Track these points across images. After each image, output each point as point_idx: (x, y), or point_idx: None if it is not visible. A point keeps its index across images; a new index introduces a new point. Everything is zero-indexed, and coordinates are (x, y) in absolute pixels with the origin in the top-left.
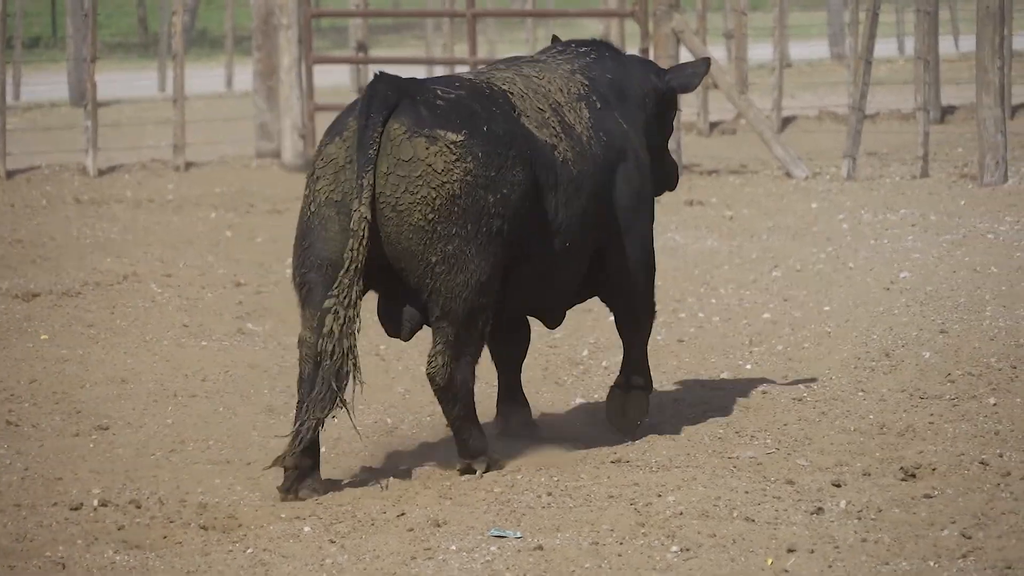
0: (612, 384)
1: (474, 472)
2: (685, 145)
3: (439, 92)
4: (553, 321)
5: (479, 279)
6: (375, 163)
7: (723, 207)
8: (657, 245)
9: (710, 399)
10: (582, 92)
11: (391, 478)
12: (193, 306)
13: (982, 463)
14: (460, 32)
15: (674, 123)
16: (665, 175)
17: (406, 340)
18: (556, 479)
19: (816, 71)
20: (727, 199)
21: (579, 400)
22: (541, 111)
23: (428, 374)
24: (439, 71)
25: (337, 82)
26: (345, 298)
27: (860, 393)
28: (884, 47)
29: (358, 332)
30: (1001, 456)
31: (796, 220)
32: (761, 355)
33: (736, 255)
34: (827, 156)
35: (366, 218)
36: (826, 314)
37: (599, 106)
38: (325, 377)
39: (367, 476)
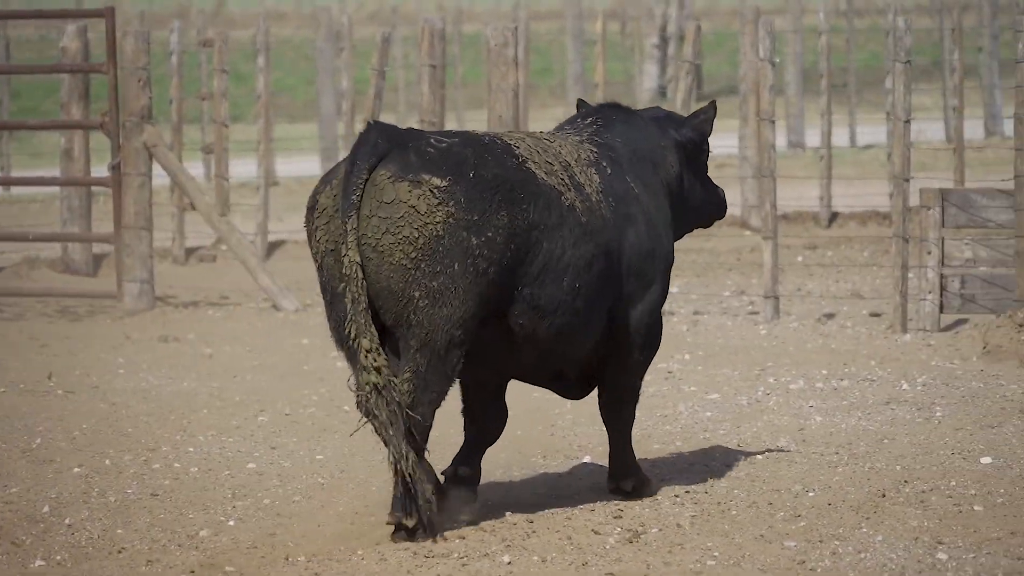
0: (608, 487)
1: (406, 530)
2: (158, 274)
3: (432, 141)
4: (569, 389)
5: (461, 316)
6: (358, 208)
7: (202, 344)
8: (127, 386)
9: (187, 561)
10: (592, 158)
11: None
12: None
13: None
14: None
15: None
16: (714, 205)
17: None
18: None
19: (307, 190)
20: (206, 335)
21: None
22: (550, 163)
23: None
24: None
25: None
26: (361, 343)
27: (359, 553)
28: None
29: (387, 366)
30: None
31: (285, 358)
32: (246, 509)
33: (217, 398)
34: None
35: (356, 261)
36: (319, 464)
37: (609, 171)
38: (385, 422)
39: None
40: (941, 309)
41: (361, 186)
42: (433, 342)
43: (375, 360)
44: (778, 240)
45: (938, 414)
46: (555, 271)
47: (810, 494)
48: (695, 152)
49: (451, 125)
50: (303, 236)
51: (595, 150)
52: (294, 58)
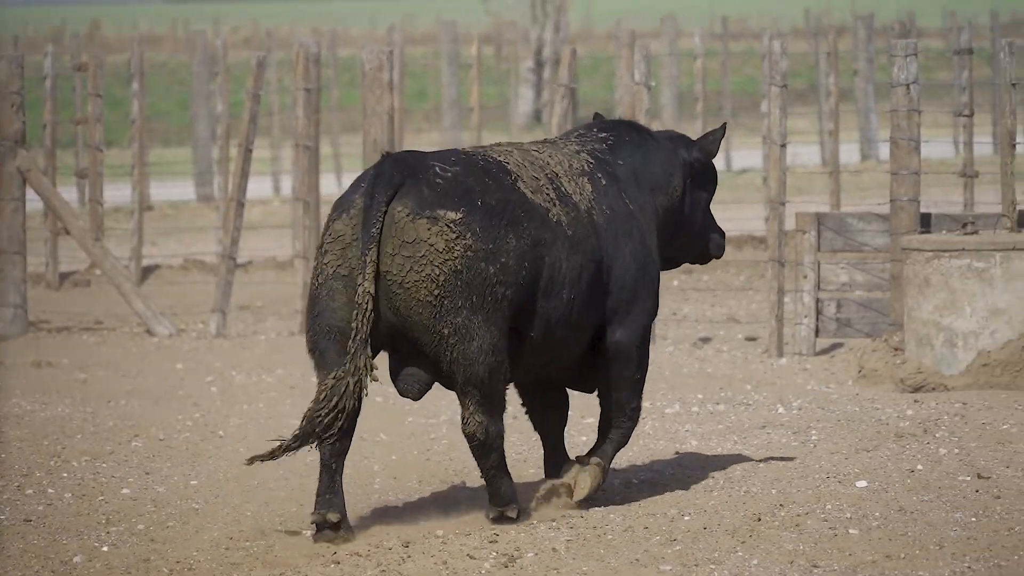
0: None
1: (508, 519)
2: (32, 299)
3: (438, 170)
4: (588, 384)
5: (492, 343)
6: (379, 241)
7: (76, 369)
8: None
9: None
10: (585, 169)
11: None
12: None
13: None
14: None
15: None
16: (714, 242)
17: (416, 400)
18: None
19: (181, 214)
20: (80, 360)
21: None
22: (536, 178)
23: (466, 433)
24: None
25: None
26: (352, 366)
27: None
28: (258, 186)
29: (364, 395)
30: None
31: (159, 383)
32: (120, 535)
33: (91, 423)
34: (194, 310)
35: (369, 292)
36: (193, 489)
37: (604, 183)
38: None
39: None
40: (817, 333)
41: (380, 219)
42: (476, 375)
43: (362, 384)
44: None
45: (814, 438)
46: (557, 284)
47: (686, 518)
48: (702, 178)
49: (326, 150)
50: (177, 261)
51: (591, 161)
52: (168, 82)
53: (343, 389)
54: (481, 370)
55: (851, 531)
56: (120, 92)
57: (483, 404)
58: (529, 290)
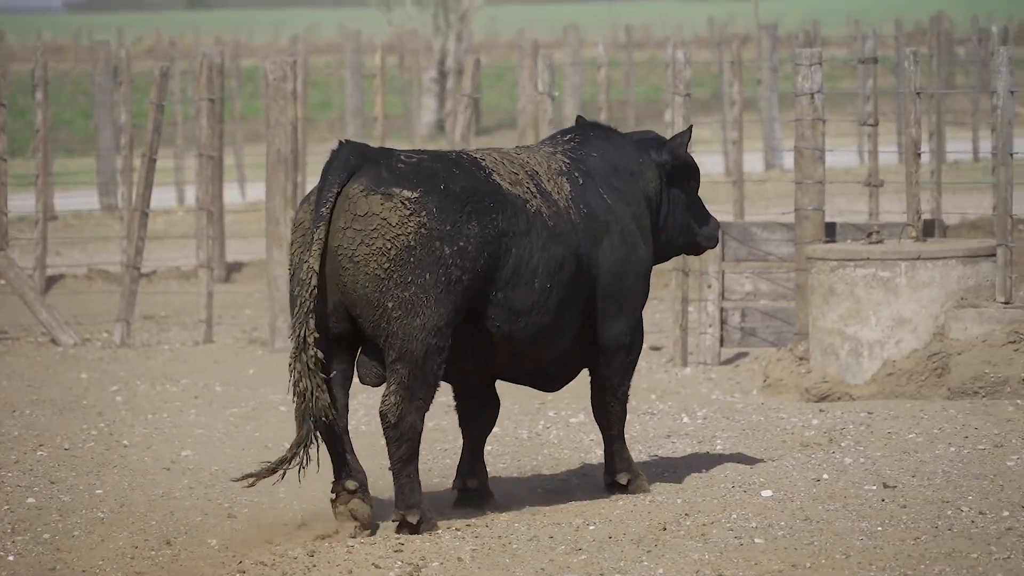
0: (604, 483)
1: (409, 525)
2: None
3: (402, 157)
4: (551, 382)
5: (436, 324)
6: (328, 220)
7: None
8: None
9: None
10: (563, 168)
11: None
12: None
13: None
14: None
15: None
16: (703, 234)
17: (376, 387)
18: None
19: (85, 224)
20: None
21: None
22: (515, 174)
23: (381, 412)
24: None
25: None
26: (299, 344)
27: None
28: (162, 196)
29: (323, 374)
30: None
31: (63, 392)
32: (25, 544)
33: None
34: (98, 320)
35: (313, 269)
36: (99, 498)
37: (581, 182)
38: (297, 416)
39: None
40: (721, 343)
41: (332, 199)
42: (411, 352)
43: (312, 359)
44: None
45: (719, 447)
46: (526, 273)
47: (591, 527)
48: (678, 175)
49: (229, 160)
50: (81, 270)
51: (567, 161)
52: (72, 92)
53: (297, 369)
54: (418, 348)
55: (757, 540)
56: (24, 102)
57: (407, 386)
58: (489, 278)
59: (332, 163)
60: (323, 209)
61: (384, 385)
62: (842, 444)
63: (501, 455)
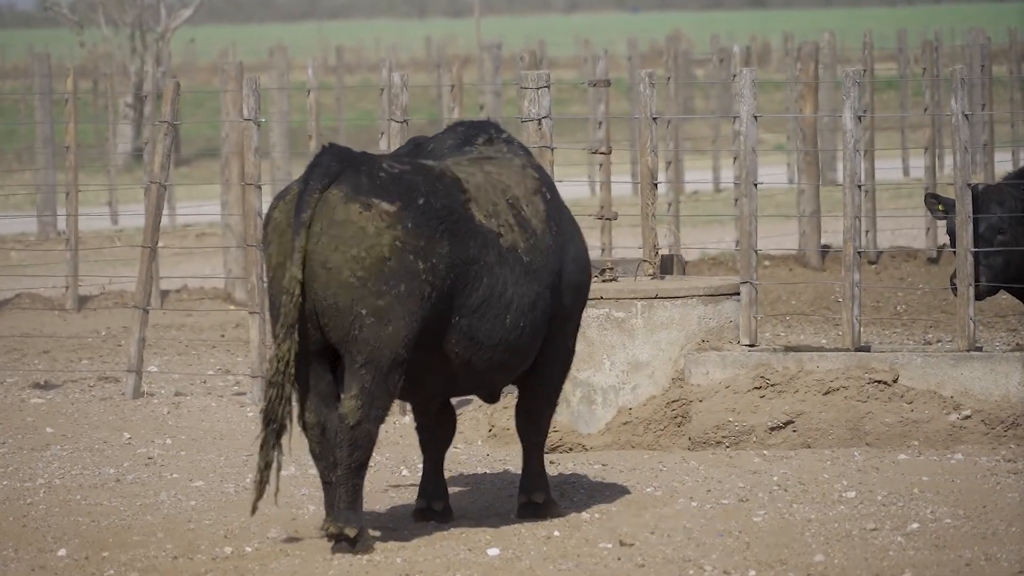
0: (518, 502)
1: (347, 539)
2: None
3: (385, 166)
4: (493, 396)
5: (406, 336)
6: (308, 226)
7: None
8: None
9: None
10: (536, 187)
11: None
12: None
13: None
14: None
15: None
16: None
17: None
18: None
19: None
20: None
21: None
22: (495, 203)
23: (340, 414)
24: None
25: None
26: (279, 351)
27: None
28: None
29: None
30: None
31: None
32: None
33: None
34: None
35: (297, 278)
36: None
37: (548, 196)
38: (265, 424)
39: None
40: None
41: (313, 205)
42: (378, 359)
43: (291, 371)
44: (265, 315)
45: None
46: (496, 307)
47: None
48: None
49: None
50: None
51: (536, 177)
52: None
53: (276, 380)
54: (385, 357)
55: None
56: None
57: (370, 392)
58: (453, 303)
59: (314, 167)
60: (303, 215)
61: (344, 389)
62: (574, 498)
63: (206, 511)
